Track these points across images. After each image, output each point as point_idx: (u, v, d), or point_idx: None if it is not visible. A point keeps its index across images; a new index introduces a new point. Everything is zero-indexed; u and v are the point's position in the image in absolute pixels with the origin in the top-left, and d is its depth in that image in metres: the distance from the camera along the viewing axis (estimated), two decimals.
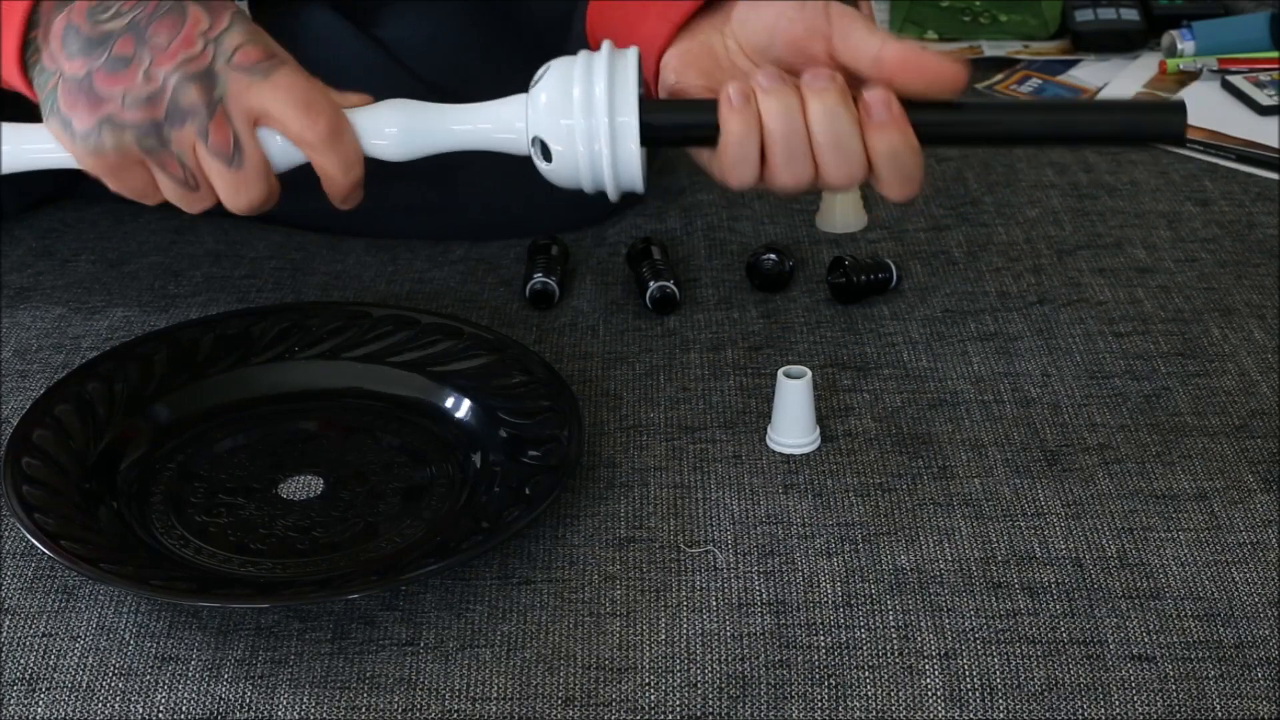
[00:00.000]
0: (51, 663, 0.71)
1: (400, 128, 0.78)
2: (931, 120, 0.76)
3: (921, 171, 0.76)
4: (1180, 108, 0.78)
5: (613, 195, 0.77)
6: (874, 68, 0.75)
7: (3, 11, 0.75)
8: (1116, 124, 0.80)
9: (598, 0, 0.87)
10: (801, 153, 0.75)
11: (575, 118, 0.75)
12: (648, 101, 0.77)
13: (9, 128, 0.79)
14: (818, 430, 0.84)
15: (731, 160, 0.75)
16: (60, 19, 0.75)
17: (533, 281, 0.97)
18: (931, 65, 0.74)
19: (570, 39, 0.94)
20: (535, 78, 0.77)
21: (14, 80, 0.77)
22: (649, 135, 0.76)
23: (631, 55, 0.76)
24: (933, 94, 0.75)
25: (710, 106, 0.76)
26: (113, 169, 0.76)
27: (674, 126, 0.78)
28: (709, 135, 0.76)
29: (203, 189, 0.76)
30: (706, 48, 0.80)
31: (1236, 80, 1.26)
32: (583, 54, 0.77)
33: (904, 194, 0.76)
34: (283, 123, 0.75)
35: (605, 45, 0.76)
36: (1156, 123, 0.79)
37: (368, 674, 0.71)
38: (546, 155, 0.77)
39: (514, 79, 0.84)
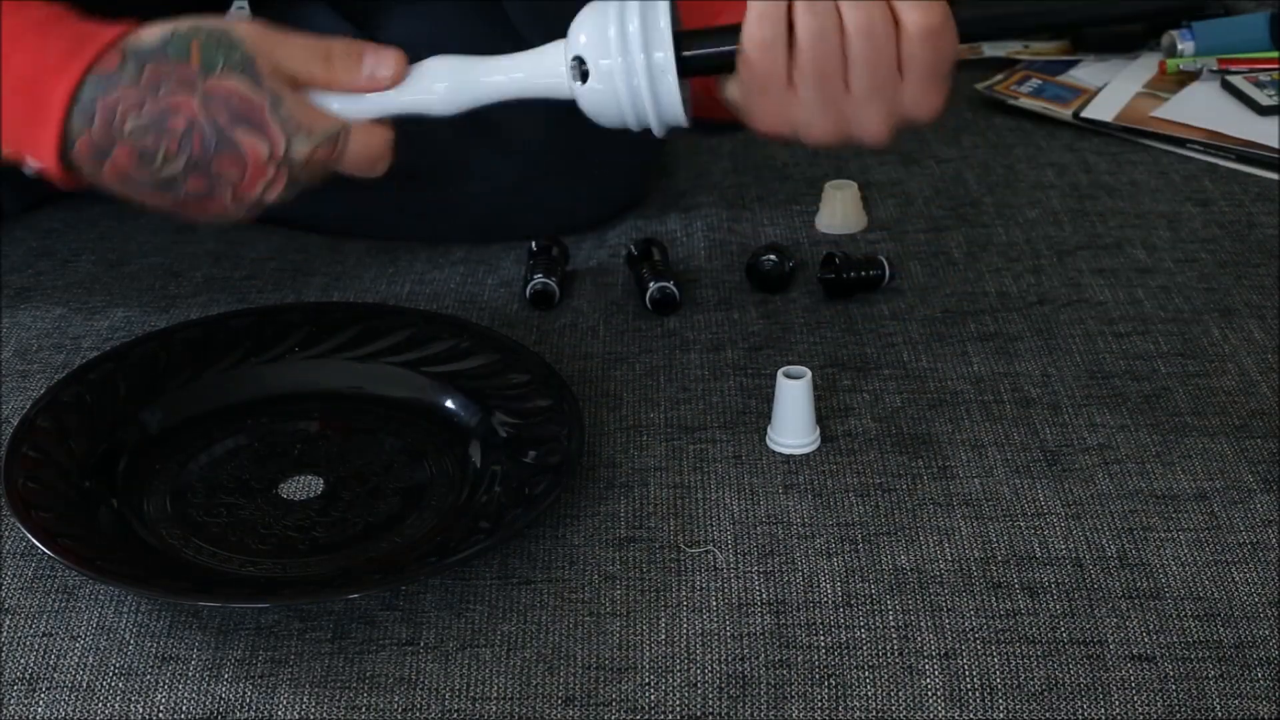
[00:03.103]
0: (51, 663, 0.71)
1: (447, 82, 0.78)
2: (970, 16, 0.77)
3: (952, 29, 0.74)
4: None
5: (657, 130, 0.77)
6: None
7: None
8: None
9: None
10: (828, 16, 0.73)
11: (613, 56, 0.75)
12: (685, 33, 0.76)
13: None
14: (818, 430, 0.84)
15: (754, 40, 0.74)
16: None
17: (533, 282, 0.97)
18: None
19: None
20: (573, 23, 0.77)
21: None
22: (689, 68, 0.76)
23: None
24: None
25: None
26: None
27: (712, 55, 0.77)
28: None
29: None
30: None
31: (1236, 80, 1.26)
32: None
33: (933, 40, 0.74)
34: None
35: None
36: None
37: (368, 674, 0.71)
38: (586, 90, 0.77)
39: None
